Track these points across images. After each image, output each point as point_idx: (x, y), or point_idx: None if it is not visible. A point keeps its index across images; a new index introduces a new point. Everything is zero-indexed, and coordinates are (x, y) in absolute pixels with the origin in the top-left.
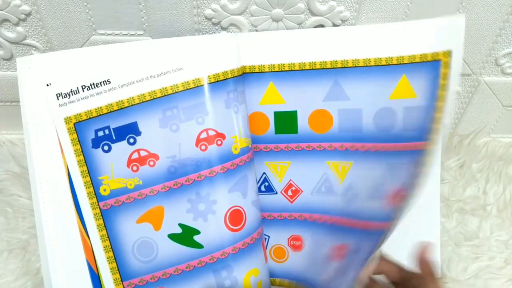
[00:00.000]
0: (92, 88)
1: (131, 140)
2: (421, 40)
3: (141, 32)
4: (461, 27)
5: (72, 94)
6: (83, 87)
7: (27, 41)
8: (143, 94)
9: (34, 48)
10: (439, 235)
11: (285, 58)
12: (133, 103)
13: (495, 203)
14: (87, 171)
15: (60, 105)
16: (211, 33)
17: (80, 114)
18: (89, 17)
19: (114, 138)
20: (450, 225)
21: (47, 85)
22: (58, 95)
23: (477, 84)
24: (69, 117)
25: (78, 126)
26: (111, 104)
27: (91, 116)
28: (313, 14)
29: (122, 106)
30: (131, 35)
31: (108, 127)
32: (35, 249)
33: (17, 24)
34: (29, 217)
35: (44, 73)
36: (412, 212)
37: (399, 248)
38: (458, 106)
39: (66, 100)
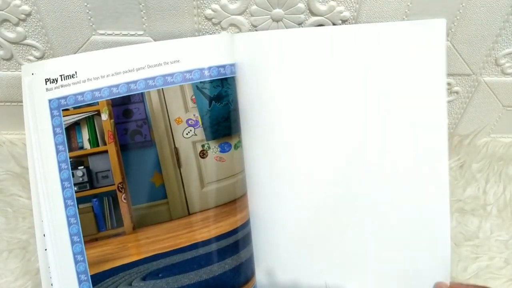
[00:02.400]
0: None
1: None
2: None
3: (141, 32)
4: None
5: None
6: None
7: (27, 41)
8: None
9: (34, 48)
10: (449, 236)
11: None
12: None
13: (495, 203)
14: None
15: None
16: (211, 33)
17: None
18: (89, 17)
19: None
20: (450, 225)
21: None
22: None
23: (477, 84)
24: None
25: None
26: None
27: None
28: (313, 14)
29: None
30: (131, 35)
31: None
32: (35, 249)
33: (17, 24)
34: (29, 217)
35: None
36: (422, 214)
37: (409, 250)
38: (458, 106)
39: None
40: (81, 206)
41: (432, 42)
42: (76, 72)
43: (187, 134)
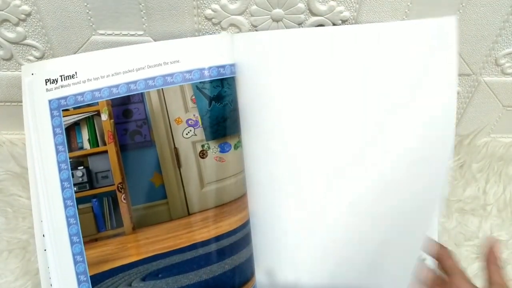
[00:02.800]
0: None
1: None
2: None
3: (141, 32)
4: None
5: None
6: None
7: (27, 41)
8: None
9: (34, 48)
10: (436, 234)
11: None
12: None
13: (495, 203)
14: None
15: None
16: (211, 33)
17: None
18: (89, 17)
19: None
20: (450, 225)
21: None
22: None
23: (477, 84)
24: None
25: None
26: None
27: None
28: (313, 14)
29: None
30: (131, 35)
31: None
32: (35, 249)
33: (17, 24)
34: (29, 217)
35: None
36: (423, 215)
37: (411, 251)
38: (458, 106)
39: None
40: (80, 206)
41: (443, 40)
42: (76, 73)
43: (187, 134)
